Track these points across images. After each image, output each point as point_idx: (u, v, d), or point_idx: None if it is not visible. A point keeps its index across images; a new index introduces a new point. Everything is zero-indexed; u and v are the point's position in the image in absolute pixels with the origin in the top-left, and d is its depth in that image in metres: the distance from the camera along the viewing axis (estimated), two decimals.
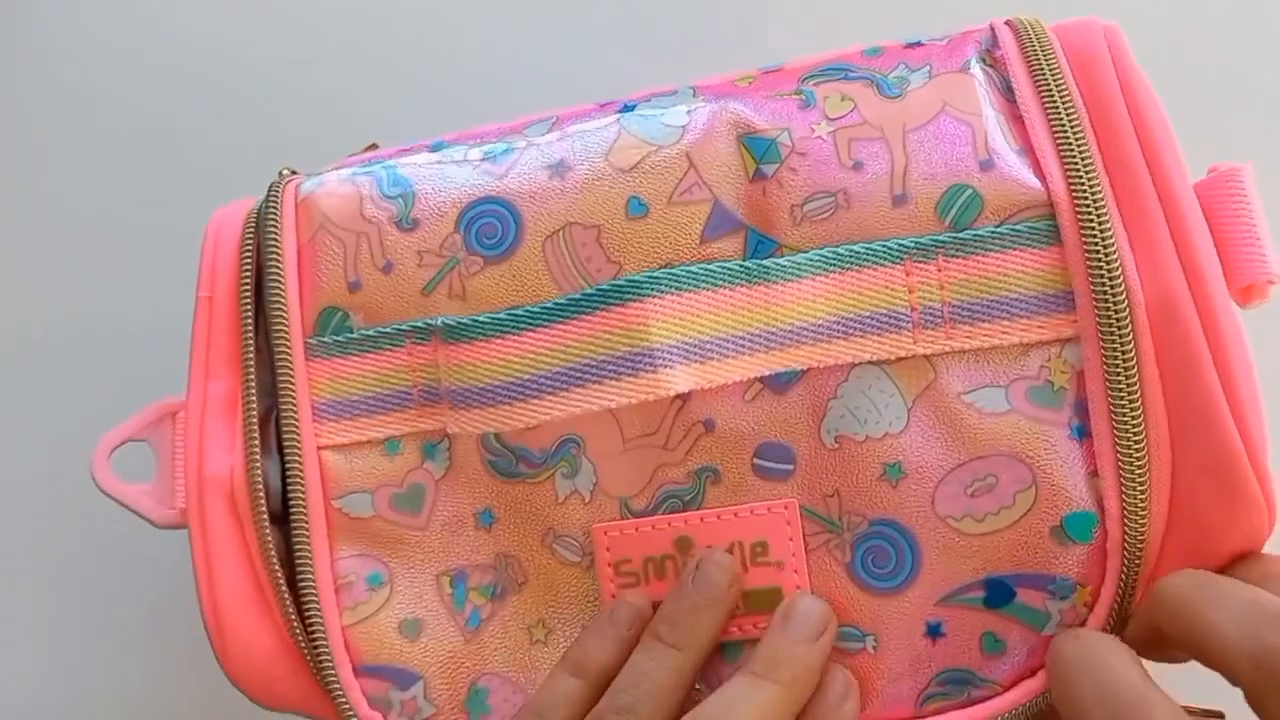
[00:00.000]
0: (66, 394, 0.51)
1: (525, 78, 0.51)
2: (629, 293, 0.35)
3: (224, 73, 0.52)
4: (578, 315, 0.36)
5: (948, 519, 0.34)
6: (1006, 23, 0.37)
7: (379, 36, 0.52)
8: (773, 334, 0.35)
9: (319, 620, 0.37)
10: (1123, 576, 0.33)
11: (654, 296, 0.35)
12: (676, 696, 0.34)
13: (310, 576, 0.37)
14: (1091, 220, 0.33)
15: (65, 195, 0.53)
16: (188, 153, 0.52)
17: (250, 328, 0.39)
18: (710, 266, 0.35)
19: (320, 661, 0.37)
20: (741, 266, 0.35)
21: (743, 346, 0.35)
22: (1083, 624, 0.33)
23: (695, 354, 0.35)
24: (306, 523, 0.37)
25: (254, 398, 0.38)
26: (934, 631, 0.34)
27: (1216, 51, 0.47)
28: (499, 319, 0.36)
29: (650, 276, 0.35)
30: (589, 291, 0.36)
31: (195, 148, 0.52)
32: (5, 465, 0.51)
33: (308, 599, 0.37)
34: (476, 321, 0.36)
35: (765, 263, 0.35)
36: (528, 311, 0.36)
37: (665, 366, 0.35)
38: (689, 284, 0.35)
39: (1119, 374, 0.33)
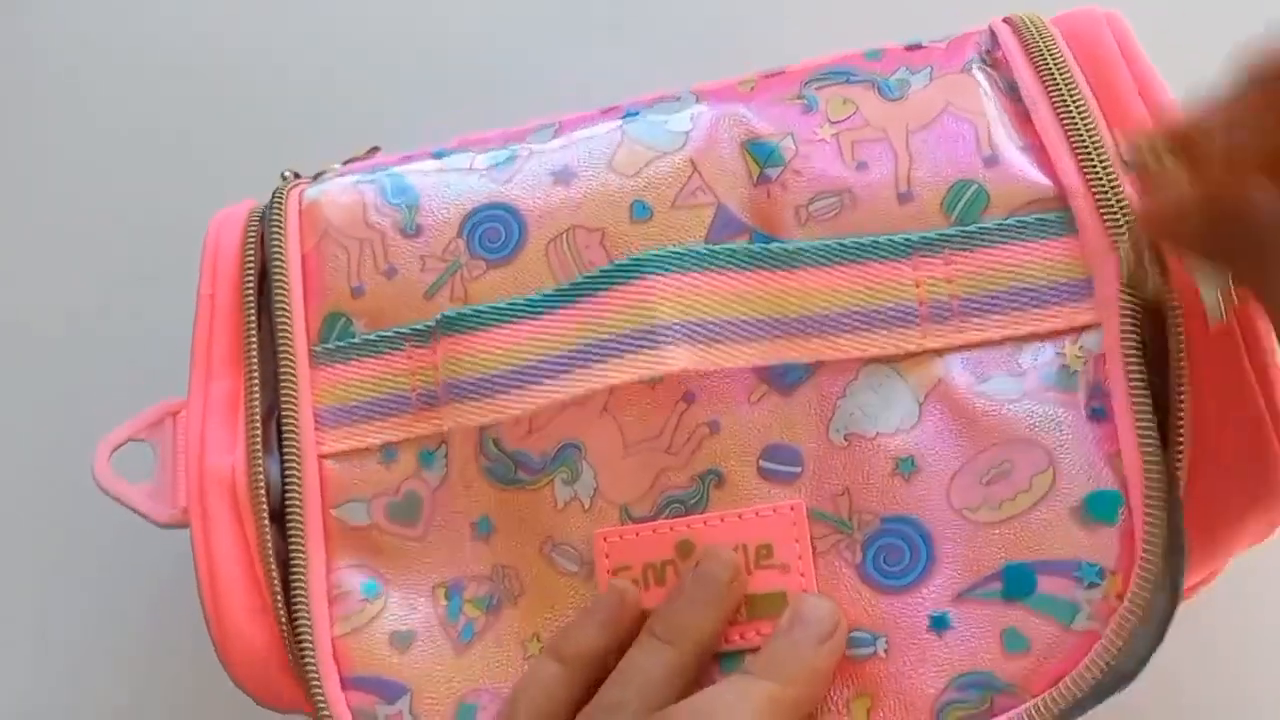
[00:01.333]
0: (65, 396, 0.51)
1: (526, 82, 0.51)
2: (633, 272, 0.35)
3: (225, 74, 0.53)
4: (578, 299, 0.35)
5: (963, 510, 0.32)
6: (1005, 20, 0.36)
7: (380, 40, 0.53)
8: (780, 322, 0.34)
9: (308, 632, 0.36)
10: None
11: (660, 275, 0.34)
12: (669, 694, 0.32)
13: (303, 588, 0.36)
14: (1113, 207, 0.32)
15: (65, 196, 0.53)
16: (188, 154, 0.53)
17: (253, 327, 0.38)
18: (716, 249, 0.35)
19: (306, 673, 0.36)
20: (747, 249, 0.35)
21: (749, 332, 0.34)
22: (1111, 615, 0.31)
23: (701, 335, 0.34)
24: (303, 532, 0.36)
25: (257, 396, 0.38)
26: (938, 624, 0.32)
27: (1218, 35, 0.47)
28: (498, 307, 0.36)
29: (656, 255, 0.35)
30: (592, 274, 0.35)
31: (196, 149, 0.53)
32: (4, 467, 0.51)
33: (299, 611, 0.36)
34: (477, 311, 0.36)
35: (770, 247, 0.35)
36: (528, 301, 0.36)
37: (670, 344, 0.34)
38: (694, 264, 0.35)
39: (1140, 355, 0.31)
